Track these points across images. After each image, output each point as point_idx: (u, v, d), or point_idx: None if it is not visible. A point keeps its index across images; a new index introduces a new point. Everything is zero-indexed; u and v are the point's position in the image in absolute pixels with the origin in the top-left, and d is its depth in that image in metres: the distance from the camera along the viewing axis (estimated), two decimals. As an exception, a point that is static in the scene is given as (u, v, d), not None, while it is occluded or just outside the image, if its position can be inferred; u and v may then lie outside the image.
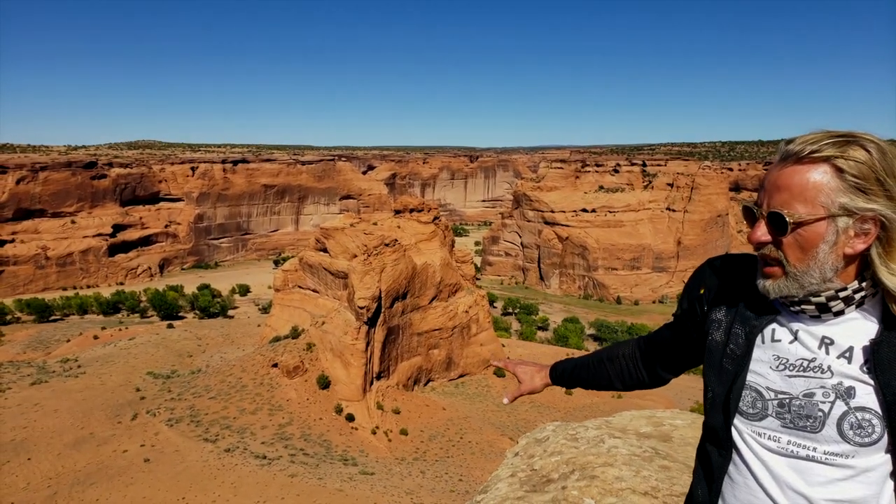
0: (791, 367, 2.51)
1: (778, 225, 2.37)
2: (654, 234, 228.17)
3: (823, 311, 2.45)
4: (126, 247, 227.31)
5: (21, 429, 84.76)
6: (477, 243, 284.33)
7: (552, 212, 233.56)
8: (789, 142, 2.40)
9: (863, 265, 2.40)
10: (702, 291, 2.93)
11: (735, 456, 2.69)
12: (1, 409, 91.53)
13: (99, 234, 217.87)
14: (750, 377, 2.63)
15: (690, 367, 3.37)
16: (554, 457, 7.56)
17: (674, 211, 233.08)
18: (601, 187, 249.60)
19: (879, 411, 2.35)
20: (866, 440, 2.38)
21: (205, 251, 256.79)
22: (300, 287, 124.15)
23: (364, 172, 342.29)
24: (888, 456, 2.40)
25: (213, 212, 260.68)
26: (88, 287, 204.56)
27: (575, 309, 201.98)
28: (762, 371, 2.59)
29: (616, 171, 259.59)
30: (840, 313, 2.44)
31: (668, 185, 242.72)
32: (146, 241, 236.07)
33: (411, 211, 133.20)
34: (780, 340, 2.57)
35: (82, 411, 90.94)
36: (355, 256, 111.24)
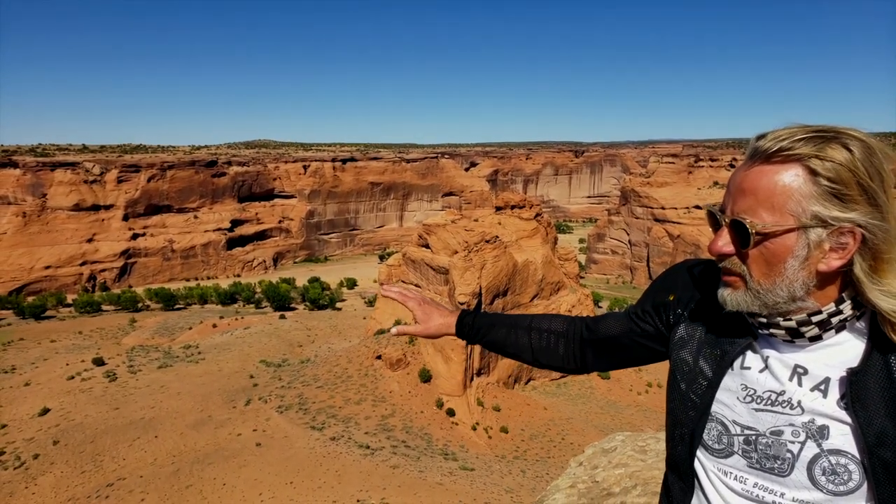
0: (759, 400, 2.15)
1: (742, 234, 1.99)
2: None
3: (796, 336, 2.08)
4: (243, 241, 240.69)
5: (149, 408, 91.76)
6: (581, 241, 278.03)
7: (662, 208, 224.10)
8: (760, 137, 2.00)
9: (843, 284, 2.01)
10: (671, 298, 2.55)
11: (699, 492, 2.37)
12: (133, 388, 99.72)
13: (218, 229, 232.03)
14: (716, 407, 2.28)
15: (627, 367, 2.92)
16: (618, 469, 7.12)
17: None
18: (716, 183, 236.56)
19: (857, 455, 1.97)
20: (841, 488, 2.00)
21: (315, 246, 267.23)
22: (403, 281, 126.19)
23: (466, 169, 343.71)
24: None
25: (324, 208, 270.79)
26: (208, 278, 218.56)
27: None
28: (729, 402, 2.23)
29: (732, 167, 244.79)
30: (817, 339, 2.06)
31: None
32: (261, 236, 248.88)
33: (513, 207, 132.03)
34: (749, 368, 2.21)
35: (202, 395, 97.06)
36: (456, 252, 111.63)
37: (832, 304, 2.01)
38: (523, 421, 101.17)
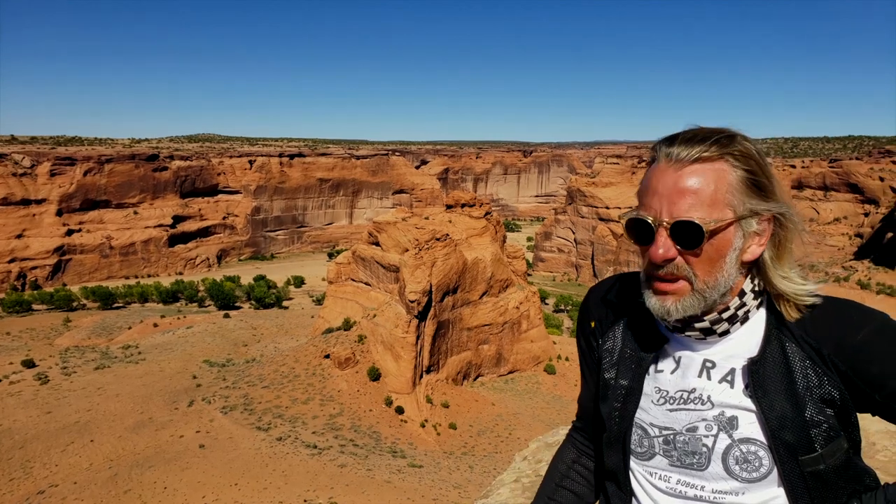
0: (672, 401, 2.27)
1: (686, 236, 2.03)
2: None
3: (708, 334, 2.20)
4: (185, 237, 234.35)
5: (85, 411, 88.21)
6: (529, 239, 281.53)
7: (607, 208, 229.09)
8: (672, 141, 2.11)
9: (747, 275, 2.18)
10: (592, 325, 2.62)
11: (633, 498, 2.46)
12: (68, 391, 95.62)
13: (160, 225, 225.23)
14: (636, 414, 2.40)
15: None
16: None
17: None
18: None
19: (765, 441, 2.10)
20: (754, 475, 2.13)
21: (261, 243, 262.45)
22: (353, 280, 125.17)
23: (417, 167, 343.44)
24: (781, 490, 2.14)
25: (270, 204, 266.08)
26: (149, 276, 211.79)
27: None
28: (646, 405, 2.35)
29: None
30: (725, 333, 2.20)
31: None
32: (205, 233, 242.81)
33: (463, 206, 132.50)
34: (662, 371, 2.33)
35: (142, 396, 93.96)
36: (407, 250, 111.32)
37: (737, 299, 2.15)
38: (472, 417, 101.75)
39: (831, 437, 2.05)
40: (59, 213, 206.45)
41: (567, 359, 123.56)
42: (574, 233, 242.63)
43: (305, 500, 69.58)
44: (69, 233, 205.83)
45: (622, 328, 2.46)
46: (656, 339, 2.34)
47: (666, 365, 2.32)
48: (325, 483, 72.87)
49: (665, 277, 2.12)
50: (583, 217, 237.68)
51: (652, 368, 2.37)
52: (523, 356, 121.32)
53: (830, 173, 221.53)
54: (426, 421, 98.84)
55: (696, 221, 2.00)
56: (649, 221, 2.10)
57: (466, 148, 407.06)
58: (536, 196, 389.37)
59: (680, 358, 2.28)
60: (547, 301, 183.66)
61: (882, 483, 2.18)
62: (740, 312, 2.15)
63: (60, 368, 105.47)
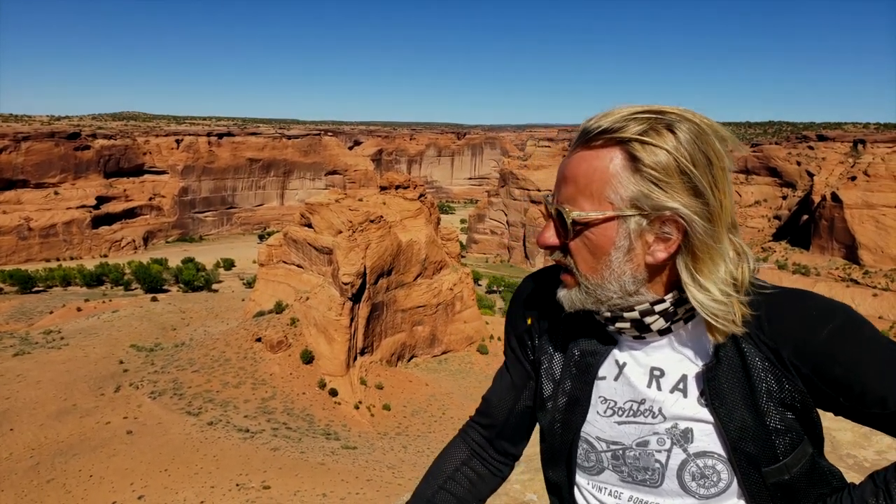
0: (620, 412, 1.97)
1: (562, 225, 1.80)
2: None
3: (643, 330, 1.88)
4: (110, 219, 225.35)
5: (3, 399, 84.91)
6: (463, 221, 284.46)
7: (539, 190, 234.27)
8: (589, 119, 1.79)
9: (677, 275, 1.80)
10: (529, 322, 2.23)
11: None
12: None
13: (82, 206, 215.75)
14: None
15: None
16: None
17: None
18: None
19: (723, 454, 1.85)
20: (712, 490, 1.89)
21: (189, 224, 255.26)
22: (285, 262, 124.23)
23: (350, 148, 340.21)
24: (741, 502, 1.90)
25: (198, 185, 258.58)
26: (72, 259, 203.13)
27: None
28: (591, 418, 2.03)
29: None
30: (666, 332, 1.88)
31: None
32: (130, 214, 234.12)
33: (397, 187, 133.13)
34: (604, 378, 2.00)
35: (65, 383, 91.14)
36: (340, 232, 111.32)
37: (676, 292, 1.82)
38: (405, 398, 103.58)
39: (795, 444, 1.82)
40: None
41: (499, 338, 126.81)
42: (507, 215, 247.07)
43: (238, 485, 69.64)
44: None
45: (562, 328, 2.11)
46: (603, 341, 2.02)
47: (607, 371, 2.00)
48: (258, 467, 73.04)
49: (559, 265, 1.92)
50: (515, 199, 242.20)
51: (597, 375, 2.06)
52: (457, 337, 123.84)
53: (752, 157, 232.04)
54: (360, 403, 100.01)
55: (563, 211, 1.76)
56: (546, 205, 1.88)
57: (400, 129, 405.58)
58: (470, 178, 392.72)
59: (624, 364, 1.97)
60: (480, 282, 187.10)
61: (848, 483, 1.96)
62: (680, 310, 1.83)
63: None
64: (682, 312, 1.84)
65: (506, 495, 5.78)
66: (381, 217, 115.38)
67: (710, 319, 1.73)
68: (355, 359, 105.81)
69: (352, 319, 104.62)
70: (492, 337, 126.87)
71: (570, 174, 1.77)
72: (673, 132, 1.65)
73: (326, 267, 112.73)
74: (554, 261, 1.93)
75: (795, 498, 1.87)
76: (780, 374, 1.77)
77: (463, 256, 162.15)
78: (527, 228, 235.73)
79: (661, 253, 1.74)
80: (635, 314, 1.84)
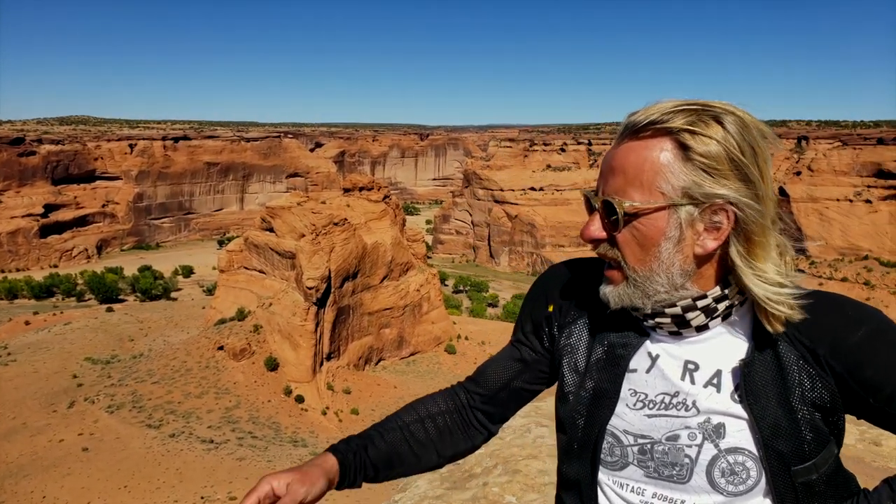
0: (651, 405, 1.90)
1: (612, 215, 1.78)
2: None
3: (682, 326, 1.84)
4: (60, 227, 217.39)
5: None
6: (428, 222, 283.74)
7: (501, 190, 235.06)
8: (633, 113, 1.79)
9: (724, 268, 1.79)
10: (550, 309, 2.18)
11: None
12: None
13: (29, 215, 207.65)
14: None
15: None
16: (479, 449, 7.12)
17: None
18: (549, 166, 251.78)
19: (755, 451, 1.78)
20: (741, 488, 1.82)
21: (145, 231, 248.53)
22: (246, 268, 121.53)
23: (312, 150, 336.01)
24: (767, 500, 1.83)
25: (154, 191, 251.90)
26: (18, 270, 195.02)
27: (524, 285, 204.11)
28: (619, 410, 1.95)
29: (563, 151, 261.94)
30: (704, 328, 1.84)
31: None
32: (82, 222, 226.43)
33: (361, 189, 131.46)
34: (635, 371, 1.94)
35: (13, 401, 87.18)
36: (303, 236, 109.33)
37: (717, 288, 1.79)
38: (374, 401, 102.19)
39: (822, 444, 1.79)
40: None
41: (467, 338, 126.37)
42: (471, 215, 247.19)
43: (203, 497, 67.54)
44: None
45: (590, 320, 2.06)
46: (635, 335, 1.97)
47: (639, 363, 1.94)
48: (223, 478, 70.99)
49: (610, 263, 1.87)
50: (479, 199, 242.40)
51: (626, 367, 1.99)
52: (424, 338, 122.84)
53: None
54: (327, 408, 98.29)
55: (614, 202, 1.74)
56: (590, 199, 1.89)
57: (362, 130, 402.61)
58: (434, 179, 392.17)
59: (657, 356, 1.92)
60: (446, 282, 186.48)
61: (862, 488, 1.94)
62: (720, 306, 1.80)
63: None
64: (721, 309, 1.83)
65: (484, 498, 5.69)
66: (346, 220, 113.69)
67: (765, 305, 1.73)
68: (321, 364, 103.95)
69: (317, 324, 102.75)
70: (459, 336, 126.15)
71: (619, 165, 1.77)
72: (720, 123, 1.68)
73: (289, 272, 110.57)
74: (598, 255, 1.92)
75: (817, 499, 1.86)
76: (813, 374, 1.77)
77: (429, 257, 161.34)
78: (491, 228, 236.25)
79: (711, 242, 1.73)
80: (677, 310, 1.82)
